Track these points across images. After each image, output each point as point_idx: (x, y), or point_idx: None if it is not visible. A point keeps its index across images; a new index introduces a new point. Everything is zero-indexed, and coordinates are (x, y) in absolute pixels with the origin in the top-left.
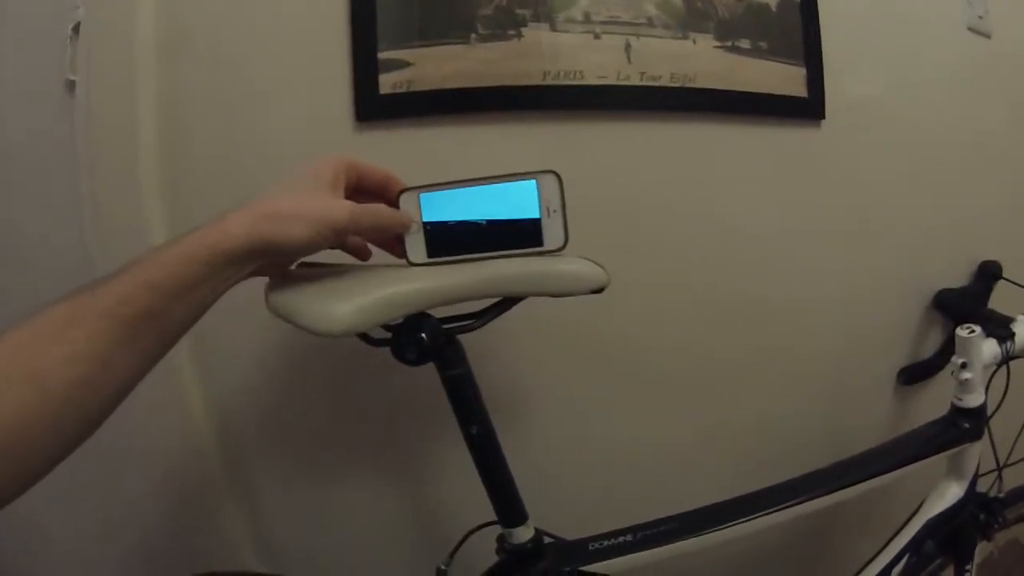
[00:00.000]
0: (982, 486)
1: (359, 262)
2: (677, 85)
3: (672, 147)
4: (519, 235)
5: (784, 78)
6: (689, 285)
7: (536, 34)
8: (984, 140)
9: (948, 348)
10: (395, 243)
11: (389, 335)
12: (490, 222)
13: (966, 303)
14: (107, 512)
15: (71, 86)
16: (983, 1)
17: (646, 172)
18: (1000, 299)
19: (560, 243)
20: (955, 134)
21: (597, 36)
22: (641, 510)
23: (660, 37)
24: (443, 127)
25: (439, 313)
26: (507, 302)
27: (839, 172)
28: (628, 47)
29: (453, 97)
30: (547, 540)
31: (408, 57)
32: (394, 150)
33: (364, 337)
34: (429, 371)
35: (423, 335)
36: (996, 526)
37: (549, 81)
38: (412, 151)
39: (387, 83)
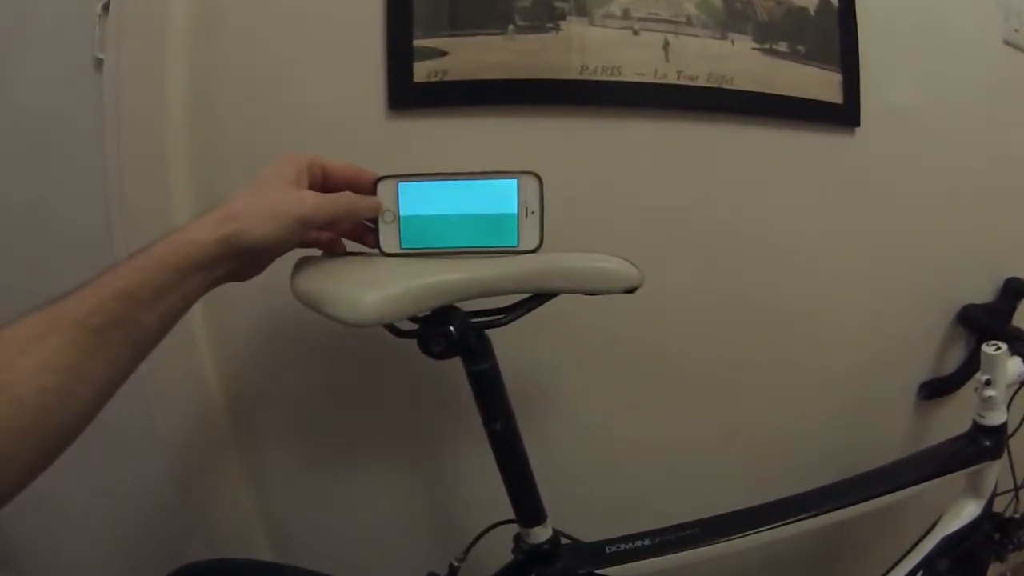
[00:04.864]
0: (998, 506)
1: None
2: (715, 86)
3: (706, 149)
4: (495, 233)
5: (820, 83)
6: (714, 290)
7: (574, 28)
8: (1014, 155)
9: (970, 364)
10: (367, 234)
11: (416, 327)
12: (467, 217)
13: (991, 320)
14: (119, 492)
15: (99, 64)
16: (1019, 15)
17: (678, 173)
18: (1022, 317)
19: (535, 245)
20: (986, 148)
21: (636, 32)
22: (660, 513)
23: (699, 36)
24: (476, 118)
25: (466, 307)
26: (538, 298)
27: (871, 181)
28: (667, 45)
29: (488, 88)
30: (564, 541)
31: (444, 46)
32: (426, 140)
33: (391, 328)
34: (451, 363)
35: (451, 328)
36: (1011, 547)
37: (586, 76)
38: (443, 142)
39: (421, 72)
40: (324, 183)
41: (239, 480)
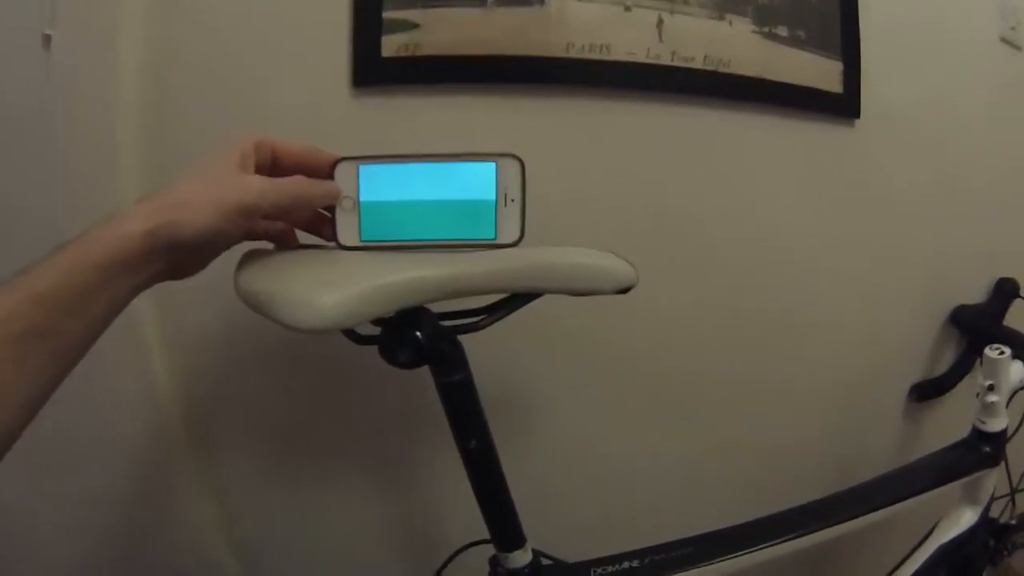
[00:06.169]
0: (992, 510)
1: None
2: (711, 68)
3: (700, 135)
4: (469, 224)
5: (820, 71)
6: (704, 288)
7: (561, 2)
8: (1009, 154)
9: (961, 365)
10: (323, 224)
11: (378, 332)
12: (438, 206)
13: (983, 321)
14: (76, 505)
15: (47, 41)
16: (1015, 12)
17: (669, 160)
18: (1013, 318)
19: (515, 238)
20: (981, 148)
21: (628, 9)
22: (647, 530)
23: (695, 16)
24: (451, 98)
25: (437, 309)
26: (519, 299)
27: (868, 178)
28: (660, 23)
29: (464, 65)
30: (545, 562)
31: (416, 18)
32: (394, 122)
33: (350, 334)
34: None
35: (418, 334)
36: (1006, 553)
37: (572, 54)
38: (414, 124)
39: (391, 45)
40: (274, 166)
41: (200, 491)
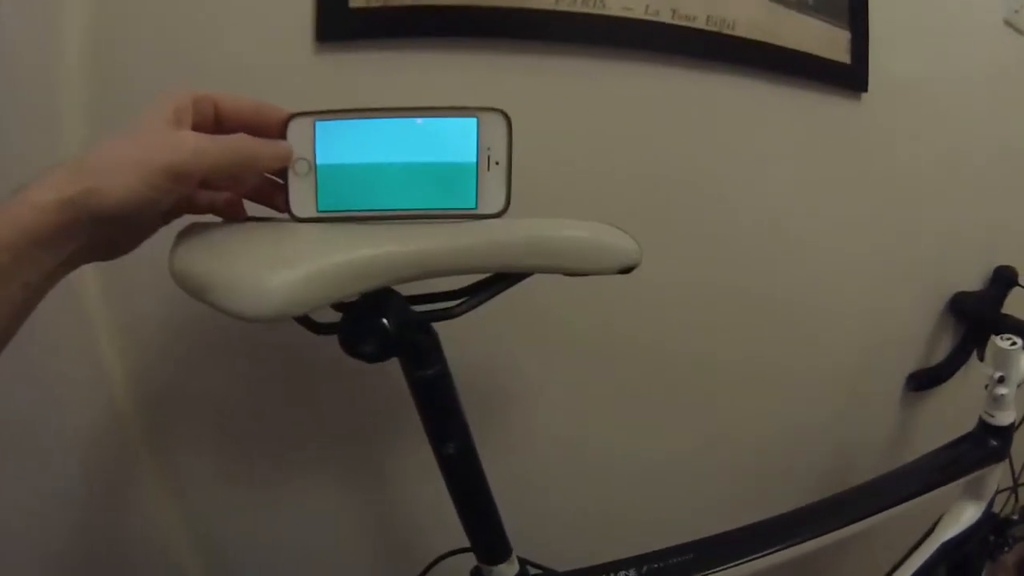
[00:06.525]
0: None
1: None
2: (714, 29)
3: (700, 101)
4: (446, 191)
5: (827, 40)
6: (695, 271)
7: None
8: (1009, 141)
9: (959, 354)
10: (274, 192)
11: (339, 318)
12: (409, 169)
13: (983, 308)
14: (25, 499)
15: None
16: None
17: (665, 127)
18: (1010, 306)
19: (499, 207)
20: (983, 133)
21: None
22: (642, 530)
23: None
24: (427, 53)
25: (407, 291)
26: (503, 279)
27: (873, 155)
28: None
29: (442, 17)
30: (534, 572)
31: None
32: (363, 80)
33: (305, 322)
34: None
35: (385, 321)
36: (1006, 548)
37: (562, 7)
38: (385, 82)
39: None
40: (217, 125)
41: (160, 492)
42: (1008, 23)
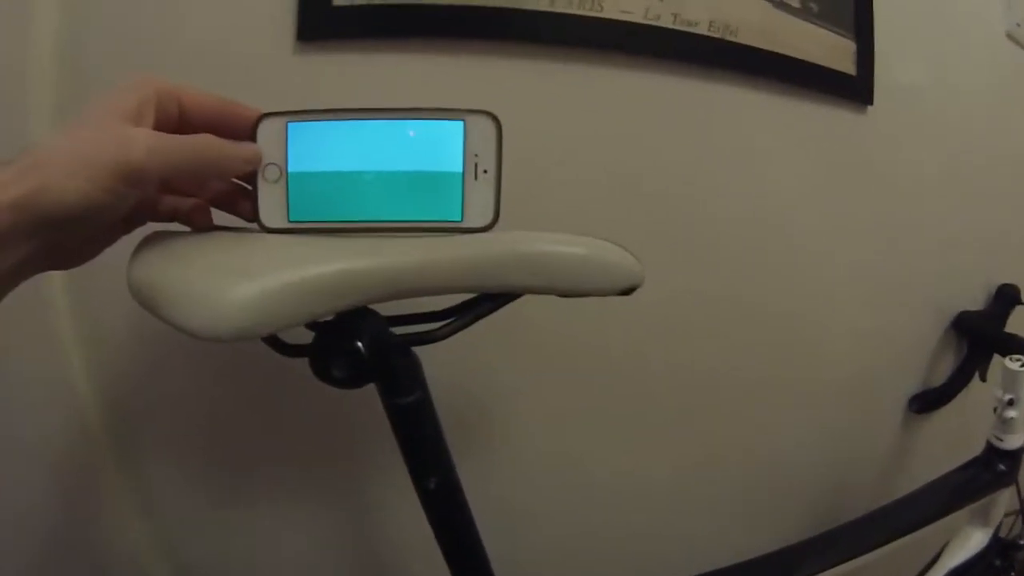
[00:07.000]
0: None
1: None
2: (717, 36)
3: (700, 111)
4: (428, 201)
5: (832, 49)
6: (692, 283)
7: None
8: (1013, 155)
9: (963, 373)
10: (241, 198)
11: (310, 340)
12: (388, 177)
13: (987, 327)
14: None
15: None
16: (1022, 8)
17: (664, 138)
18: (1013, 325)
19: (487, 220)
20: (985, 148)
21: None
22: (634, 555)
23: None
24: (414, 54)
25: (385, 311)
26: (490, 300)
27: (877, 171)
28: None
29: (431, 17)
30: None
31: None
32: (346, 81)
33: (273, 342)
34: None
35: (359, 344)
36: (1012, 573)
37: (557, 9)
38: (369, 84)
39: None
40: (182, 124)
41: (128, 505)
42: (1010, 36)
